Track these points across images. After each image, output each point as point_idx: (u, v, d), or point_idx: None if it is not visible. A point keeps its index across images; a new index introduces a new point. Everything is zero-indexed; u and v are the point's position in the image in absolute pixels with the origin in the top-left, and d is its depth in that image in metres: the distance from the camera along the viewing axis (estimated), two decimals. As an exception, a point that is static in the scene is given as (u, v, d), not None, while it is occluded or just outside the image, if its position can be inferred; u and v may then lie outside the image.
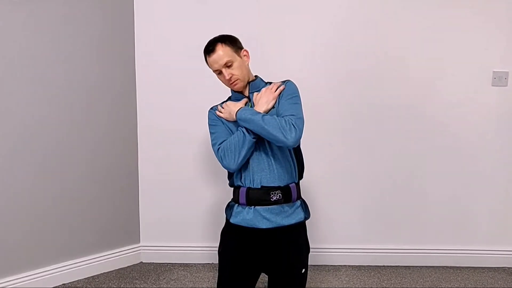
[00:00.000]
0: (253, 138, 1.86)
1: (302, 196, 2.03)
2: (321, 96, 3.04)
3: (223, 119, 1.96)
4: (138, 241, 3.22)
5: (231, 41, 1.94)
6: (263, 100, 1.90)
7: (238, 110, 1.88)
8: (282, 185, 1.91)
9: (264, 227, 1.89)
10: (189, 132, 3.08)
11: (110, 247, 3.09)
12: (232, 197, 2.01)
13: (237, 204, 1.96)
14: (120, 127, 3.05)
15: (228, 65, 1.90)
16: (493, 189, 3.14)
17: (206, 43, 1.94)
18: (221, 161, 1.91)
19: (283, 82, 1.97)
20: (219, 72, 1.93)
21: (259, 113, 1.84)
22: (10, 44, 2.57)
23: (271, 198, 1.89)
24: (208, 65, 1.95)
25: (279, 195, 1.90)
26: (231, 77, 1.91)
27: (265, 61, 2.97)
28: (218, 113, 1.98)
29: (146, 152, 3.13)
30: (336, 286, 2.90)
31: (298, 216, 1.96)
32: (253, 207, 1.90)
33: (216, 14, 2.99)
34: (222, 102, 2.03)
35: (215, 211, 3.12)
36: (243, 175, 1.93)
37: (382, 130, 3.08)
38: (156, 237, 3.21)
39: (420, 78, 3.03)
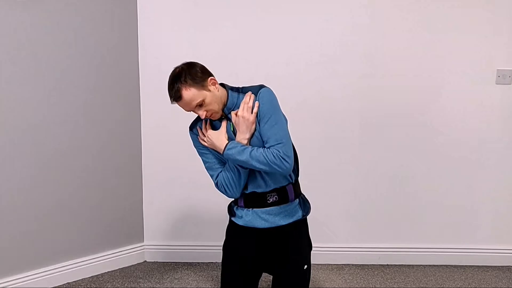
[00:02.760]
0: (247, 168, 1.87)
1: (305, 194, 2.04)
2: (320, 96, 3.03)
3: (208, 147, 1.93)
4: (142, 240, 3.22)
5: (193, 79, 1.79)
6: (243, 128, 1.83)
7: (224, 149, 1.83)
8: (277, 187, 1.92)
9: (263, 227, 1.92)
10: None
11: (114, 246, 3.09)
12: None
13: (236, 206, 2.00)
14: (124, 126, 3.05)
15: (200, 105, 1.80)
16: (497, 188, 3.13)
17: (167, 83, 1.83)
18: (224, 193, 1.95)
19: (256, 90, 1.85)
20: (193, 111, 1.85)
21: (245, 148, 1.80)
22: (14, 46, 2.57)
23: (268, 200, 1.92)
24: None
25: (275, 197, 1.92)
26: (207, 114, 1.83)
27: (270, 64, 2.98)
28: (201, 141, 1.94)
29: (150, 151, 3.13)
30: (339, 285, 2.90)
31: (296, 215, 1.97)
32: (251, 209, 1.94)
33: (218, 15, 2.98)
34: (198, 117, 1.92)
35: (219, 210, 3.11)
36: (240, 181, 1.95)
37: (385, 129, 3.08)
38: (160, 236, 3.21)
39: (423, 77, 3.02)
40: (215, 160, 1.96)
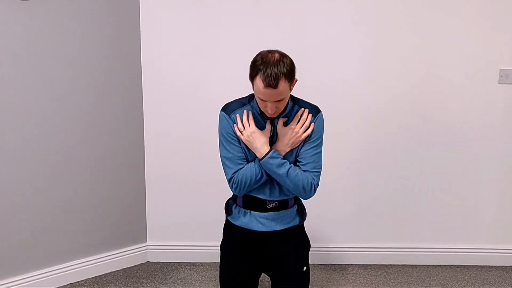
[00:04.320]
0: (267, 177, 1.84)
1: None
2: (319, 94, 3.03)
3: (239, 138, 1.83)
4: (145, 241, 3.22)
5: (291, 74, 1.70)
6: (288, 141, 1.80)
7: (265, 155, 1.77)
8: (280, 199, 1.91)
9: (259, 230, 1.91)
10: (195, 133, 3.08)
11: (117, 247, 3.10)
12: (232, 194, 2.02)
13: (235, 205, 1.98)
14: (127, 128, 3.05)
15: (279, 100, 1.71)
16: (500, 187, 3.12)
17: (260, 65, 1.67)
18: (234, 189, 1.85)
19: (314, 111, 1.84)
20: (263, 100, 1.72)
21: (285, 163, 1.78)
22: (16, 46, 2.58)
23: (267, 206, 1.90)
24: (255, 86, 1.71)
25: (275, 203, 1.91)
26: (274, 111, 1.73)
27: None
28: (237, 131, 1.82)
29: (153, 152, 3.13)
30: (342, 285, 2.90)
31: (293, 221, 1.96)
32: (249, 211, 1.92)
33: (220, 17, 2.98)
34: (239, 103, 1.87)
35: (221, 211, 3.10)
36: None
37: (387, 129, 3.07)
38: (162, 236, 3.21)
39: (425, 76, 3.02)
40: (240, 154, 1.84)
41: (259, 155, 1.79)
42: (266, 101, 1.71)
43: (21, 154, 2.65)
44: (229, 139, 1.84)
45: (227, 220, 2.05)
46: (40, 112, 2.69)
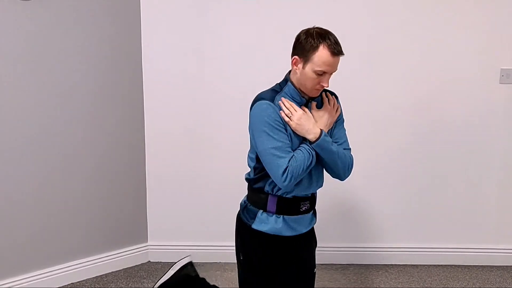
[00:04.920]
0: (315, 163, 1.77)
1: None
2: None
3: (286, 124, 1.74)
4: (146, 240, 3.22)
5: None
6: (327, 121, 1.79)
7: (320, 135, 1.72)
8: (311, 194, 1.88)
9: (289, 235, 1.85)
10: (196, 132, 3.08)
11: (117, 247, 3.09)
12: (247, 197, 1.92)
13: (261, 211, 1.84)
14: (128, 128, 3.05)
15: (331, 73, 1.72)
16: (501, 187, 3.12)
17: (322, 36, 1.68)
18: (287, 182, 1.69)
19: (332, 93, 1.90)
20: (320, 74, 1.69)
21: (333, 142, 1.78)
22: (17, 46, 2.58)
23: (301, 208, 1.85)
24: (316, 58, 1.67)
25: (308, 205, 1.87)
26: (328, 84, 1.73)
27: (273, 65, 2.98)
28: (284, 115, 1.72)
29: (154, 152, 3.13)
30: (344, 285, 2.90)
31: (312, 222, 1.96)
32: (282, 216, 1.82)
33: (220, 17, 2.99)
34: (273, 92, 1.78)
35: (222, 210, 3.12)
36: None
37: (387, 128, 3.07)
38: (163, 236, 3.21)
39: (427, 76, 3.02)
40: (288, 142, 1.73)
41: (313, 136, 1.72)
42: (325, 73, 1.69)
43: (21, 153, 2.65)
44: (277, 127, 1.71)
45: (248, 228, 1.87)
46: (40, 111, 2.69)
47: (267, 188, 1.82)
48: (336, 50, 1.67)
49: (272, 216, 1.82)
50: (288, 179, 1.68)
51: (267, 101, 1.72)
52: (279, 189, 1.79)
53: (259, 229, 1.83)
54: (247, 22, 2.99)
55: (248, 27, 2.98)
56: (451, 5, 2.95)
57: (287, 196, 1.81)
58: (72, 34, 2.75)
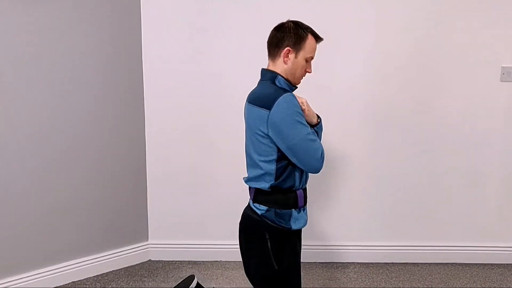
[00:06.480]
0: None
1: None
2: (335, 96, 3.04)
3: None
4: (147, 239, 3.22)
5: None
6: (313, 113, 1.83)
7: (318, 118, 1.84)
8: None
9: (304, 226, 1.86)
10: (197, 132, 3.08)
11: (118, 245, 3.10)
12: (269, 203, 1.77)
13: (293, 209, 1.78)
14: (128, 126, 3.05)
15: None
16: (502, 185, 3.12)
17: (304, 26, 1.80)
18: (321, 163, 1.70)
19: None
20: (308, 60, 1.81)
21: None
22: (17, 46, 2.58)
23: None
24: (307, 46, 1.77)
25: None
26: (310, 72, 1.84)
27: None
28: (302, 106, 1.75)
29: (154, 150, 3.13)
30: (344, 284, 2.90)
31: None
32: (304, 206, 1.84)
33: (221, 16, 2.99)
34: (272, 87, 1.77)
35: (223, 209, 3.12)
36: (302, 175, 1.78)
37: (387, 127, 3.07)
38: (164, 235, 3.21)
39: (427, 74, 3.01)
40: None
41: (315, 119, 1.83)
42: (312, 58, 1.83)
43: (21, 152, 2.65)
44: (303, 116, 1.73)
45: (287, 230, 1.78)
46: (41, 110, 2.70)
47: (297, 183, 1.77)
48: (318, 36, 1.82)
49: (301, 211, 1.81)
50: (323, 159, 1.70)
51: (289, 93, 1.72)
52: (302, 179, 1.79)
53: (298, 228, 1.80)
54: (247, 22, 2.98)
55: (248, 27, 2.98)
56: (451, 3, 2.95)
57: (304, 186, 1.83)
58: (72, 34, 2.75)
